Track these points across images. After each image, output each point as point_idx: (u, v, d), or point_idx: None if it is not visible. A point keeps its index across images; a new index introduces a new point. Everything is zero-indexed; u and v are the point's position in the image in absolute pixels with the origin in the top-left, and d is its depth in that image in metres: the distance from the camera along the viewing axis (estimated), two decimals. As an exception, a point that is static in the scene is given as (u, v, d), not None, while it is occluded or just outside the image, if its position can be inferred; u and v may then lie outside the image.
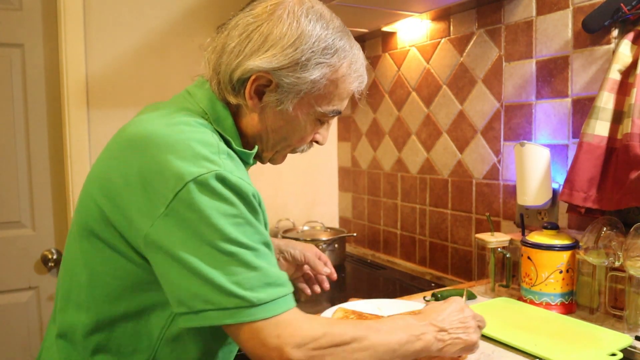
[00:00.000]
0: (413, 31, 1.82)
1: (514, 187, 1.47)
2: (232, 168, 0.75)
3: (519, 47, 1.44)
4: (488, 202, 1.56)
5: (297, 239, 1.83)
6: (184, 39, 1.95)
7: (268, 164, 1.00)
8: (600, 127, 1.17)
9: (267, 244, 0.77)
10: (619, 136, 1.15)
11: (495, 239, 1.35)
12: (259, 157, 0.96)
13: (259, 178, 2.14)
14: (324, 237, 1.84)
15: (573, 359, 0.96)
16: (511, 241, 1.36)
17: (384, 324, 0.82)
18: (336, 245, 1.84)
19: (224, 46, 0.86)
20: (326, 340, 0.74)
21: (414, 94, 1.83)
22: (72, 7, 1.74)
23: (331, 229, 2.00)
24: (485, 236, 1.37)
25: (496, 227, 1.52)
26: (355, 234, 2.16)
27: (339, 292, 1.66)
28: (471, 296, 1.34)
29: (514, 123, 1.47)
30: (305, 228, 1.98)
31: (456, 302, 0.91)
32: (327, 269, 1.20)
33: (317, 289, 1.23)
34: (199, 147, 0.74)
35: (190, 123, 0.80)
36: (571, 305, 1.23)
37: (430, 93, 1.76)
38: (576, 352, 0.98)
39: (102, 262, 0.79)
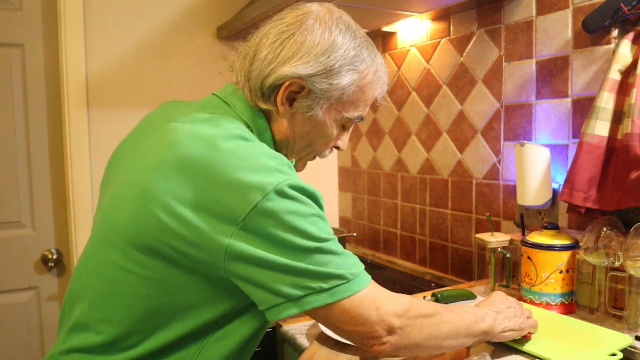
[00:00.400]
0: (413, 31, 1.82)
1: (514, 187, 1.47)
2: (296, 176, 0.80)
3: (519, 47, 1.44)
4: (488, 202, 1.56)
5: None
6: (184, 39, 1.95)
7: None
8: (600, 127, 1.17)
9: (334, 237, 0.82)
10: (619, 136, 1.15)
11: (495, 239, 1.35)
12: None
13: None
14: (324, 237, 1.84)
15: (573, 359, 0.96)
16: (511, 241, 1.36)
17: (452, 307, 0.90)
18: (336, 245, 1.84)
19: (255, 53, 0.88)
20: (415, 311, 0.82)
21: (414, 94, 1.83)
22: (72, 7, 1.74)
23: (331, 228, 2.00)
24: (485, 236, 1.37)
25: (496, 227, 1.52)
26: (355, 234, 2.16)
27: (339, 292, 1.66)
28: (471, 296, 1.34)
29: (514, 123, 1.47)
30: (305, 228, 1.98)
31: (499, 295, 1.01)
32: None
33: None
34: (267, 160, 0.77)
35: (247, 137, 0.81)
36: (571, 305, 1.23)
37: (430, 93, 1.76)
38: (576, 352, 0.98)
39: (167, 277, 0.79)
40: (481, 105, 1.57)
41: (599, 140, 1.17)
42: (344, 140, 0.99)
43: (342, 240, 1.88)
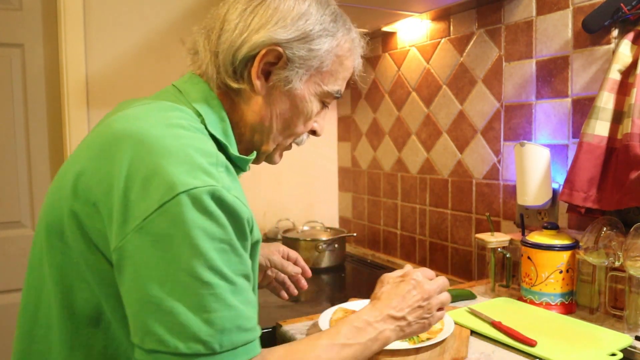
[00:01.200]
0: (413, 31, 1.82)
1: (514, 187, 1.47)
2: (229, 185, 0.67)
3: (519, 47, 1.44)
4: (488, 202, 1.56)
5: (297, 239, 1.83)
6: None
7: (264, 164, 0.95)
8: (600, 127, 1.17)
9: (247, 277, 0.69)
10: (619, 136, 1.15)
11: (495, 239, 1.35)
12: (257, 154, 0.89)
13: (259, 178, 2.14)
14: (324, 237, 1.84)
15: (573, 359, 0.96)
16: (511, 241, 1.36)
17: (338, 338, 0.78)
18: (336, 245, 1.84)
19: (223, 25, 0.79)
20: None
21: (414, 94, 1.83)
22: (72, 7, 1.74)
23: (331, 229, 2.00)
24: (485, 236, 1.37)
25: (496, 227, 1.52)
26: (355, 234, 2.16)
27: (339, 292, 1.66)
28: (471, 296, 1.34)
29: (514, 123, 1.47)
30: (305, 228, 1.98)
31: (413, 280, 0.87)
32: (296, 269, 1.13)
33: (293, 291, 1.17)
34: (197, 156, 0.67)
35: (187, 127, 0.72)
36: (571, 305, 1.23)
37: (430, 93, 1.76)
38: (576, 352, 0.98)
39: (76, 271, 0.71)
40: (481, 105, 1.57)
41: (599, 140, 1.17)
42: (320, 124, 0.90)
43: (342, 240, 1.88)
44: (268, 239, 2.09)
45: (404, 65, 1.87)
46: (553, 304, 1.22)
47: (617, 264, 1.12)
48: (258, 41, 0.76)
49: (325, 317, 1.14)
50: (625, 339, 1.03)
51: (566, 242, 1.22)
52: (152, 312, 0.62)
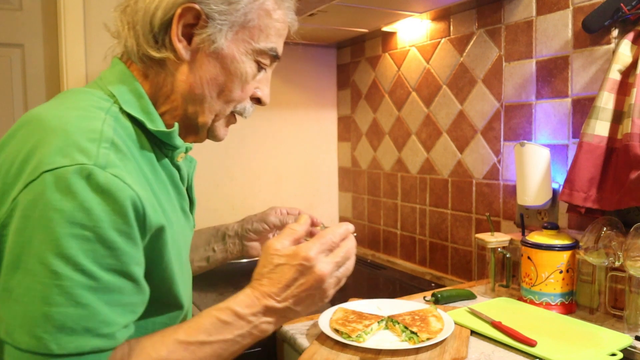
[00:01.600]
0: (413, 31, 1.82)
1: (514, 187, 1.47)
2: (110, 162, 0.61)
3: (519, 47, 1.44)
4: (488, 202, 1.56)
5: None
6: (184, 39, 1.95)
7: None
8: (600, 127, 1.17)
9: (126, 275, 0.61)
10: (619, 136, 1.15)
11: (495, 239, 1.35)
12: (194, 131, 0.82)
13: (259, 178, 2.14)
14: (324, 237, 1.84)
15: (573, 359, 0.96)
16: (511, 241, 1.36)
17: (196, 335, 0.68)
18: (336, 245, 1.84)
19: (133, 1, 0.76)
20: None
21: (414, 94, 1.83)
22: (72, 7, 1.75)
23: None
24: (485, 236, 1.37)
25: (496, 227, 1.52)
26: (355, 234, 2.15)
27: (339, 292, 1.65)
28: (471, 296, 1.34)
29: (514, 123, 1.47)
30: (305, 228, 1.97)
31: (296, 266, 0.73)
32: (293, 219, 1.05)
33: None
34: (75, 132, 0.62)
35: (83, 107, 0.68)
36: (571, 305, 1.23)
37: (430, 93, 1.76)
38: (576, 352, 0.98)
39: None
40: (481, 105, 1.57)
41: (599, 140, 1.17)
42: (263, 90, 0.84)
43: (342, 240, 1.88)
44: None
45: (404, 65, 1.87)
46: (553, 304, 1.22)
47: (617, 264, 1.12)
48: (171, 1, 0.72)
49: (325, 317, 1.14)
50: (625, 339, 1.03)
51: (566, 242, 1.22)
52: (4, 299, 0.58)
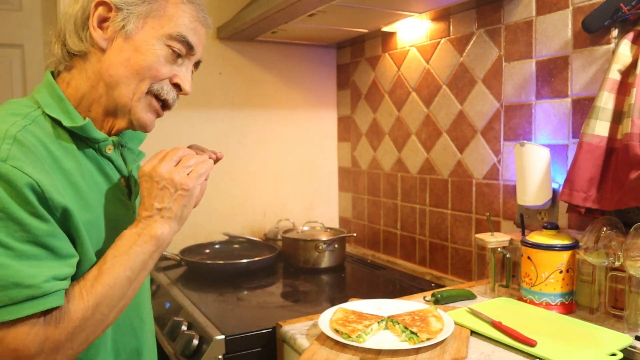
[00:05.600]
0: (413, 31, 1.82)
1: (514, 187, 1.47)
2: (11, 156, 0.74)
3: (518, 47, 1.44)
4: (488, 202, 1.56)
5: (297, 240, 1.83)
6: (184, 39, 1.95)
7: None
8: (600, 127, 1.17)
9: (37, 244, 0.74)
10: (619, 136, 1.15)
11: (495, 239, 1.35)
12: (119, 115, 0.90)
13: (259, 178, 2.14)
14: (324, 237, 1.84)
15: (573, 359, 0.96)
16: (511, 241, 1.36)
17: (105, 261, 0.81)
18: (336, 246, 1.84)
19: (63, 12, 0.91)
20: (57, 336, 0.75)
21: (414, 94, 1.83)
22: (72, 7, 1.74)
23: (331, 229, 2.00)
24: (485, 236, 1.37)
25: (496, 227, 1.52)
26: (355, 234, 2.16)
27: (339, 292, 1.66)
28: (471, 296, 1.34)
29: (514, 123, 1.47)
30: (305, 228, 1.98)
31: (146, 175, 0.87)
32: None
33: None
34: None
35: (0, 115, 0.81)
36: (571, 305, 1.23)
37: (430, 93, 1.76)
38: (576, 352, 0.98)
39: None
40: (481, 105, 1.57)
41: (599, 140, 1.17)
42: (182, 78, 0.92)
43: (342, 241, 1.88)
44: (268, 239, 2.09)
45: (404, 65, 1.87)
46: (553, 304, 1.22)
47: (617, 264, 1.12)
48: (86, 1, 0.87)
49: (325, 317, 1.14)
50: (625, 339, 1.03)
51: (566, 242, 1.22)
52: None
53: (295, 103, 2.21)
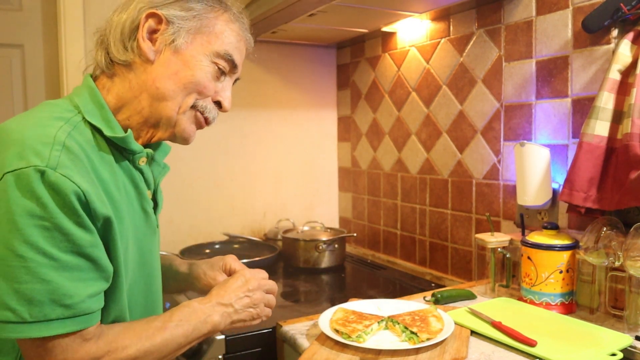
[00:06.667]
0: (413, 31, 1.82)
1: (514, 187, 1.47)
2: (60, 163, 0.72)
3: (518, 47, 1.44)
4: (488, 202, 1.56)
5: (297, 240, 1.83)
6: (184, 39, 1.95)
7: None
8: (600, 127, 1.17)
9: (80, 254, 0.74)
10: (619, 136, 1.15)
11: (495, 239, 1.35)
12: (162, 127, 0.90)
13: (259, 178, 2.14)
14: (324, 237, 1.84)
15: (573, 359, 0.96)
16: (511, 241, 1.36)
17: (171, 320, 0.86)
18: (336, 246, 1.84)
19: (108, 19, 0.91)
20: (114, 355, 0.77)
21: (414, 94, 1.83)
22: (72, 7, 1.75)
23: (331, 229, 2.00)
24: (485, 236, 1.37)
25: (496, 227, 1.52)
26: (355, 234, 2.16)
27: (339, 292, 1.66)
28: (471, 296, 1.34)
29: (514, 123, 1.47)
30: (305, 228, 1.98)
31: (241, 276, 0.97)
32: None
33: None
34: (31, 140, 0.73)
35: (41, 117, 0.80)
36: (571, 305, 1.23)
37: (430, 93, 1.76)
38: (576, 352, 0.98)
39: None
40: (481, 105, 1.57)
41: (599, 140, 1.17)
42: (224, 96, 0.93)
43: (342, 241, 1.88)
44: (268, 239, 2.09)
45: (404, 65, 1.87)
46: (553, 304, 1.22)
47: (617, 264, 1.12)
48: (137, 9, 0.86)
49: (325, 317, 1.14)
50: (625, 339, 1.03)
51: (566, 242, 1.22)
52: None
53: (295, 103, 2.21)
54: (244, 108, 2.10)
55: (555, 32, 1.34)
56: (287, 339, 1.15)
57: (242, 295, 0.94)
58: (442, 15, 1.68)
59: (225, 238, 2.05)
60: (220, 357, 1.20)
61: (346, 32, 1.90)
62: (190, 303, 0.90)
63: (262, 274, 1.00)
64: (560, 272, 1.21)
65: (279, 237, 1.96)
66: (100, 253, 0.77)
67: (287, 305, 1.48)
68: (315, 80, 2.25)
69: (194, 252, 1.90)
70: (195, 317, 0.88)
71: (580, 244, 1.16)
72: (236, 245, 2.02)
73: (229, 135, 2.07)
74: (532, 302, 1.24)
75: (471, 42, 1.59)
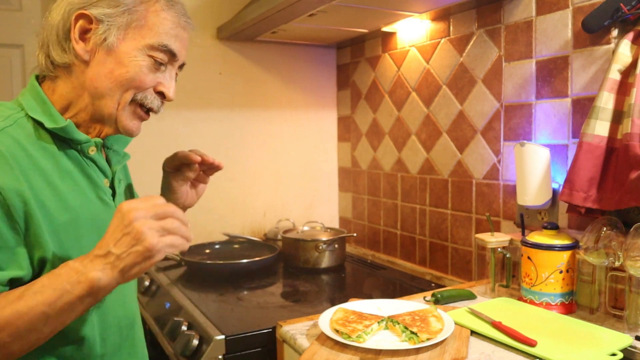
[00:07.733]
0: (413, 31, 1.82)
1: (514, 187, 1.47)
2: None
3: (518, 47, 1.44)
4: (488, 202, 1.56)
5: (297, 240, 1.83)
6: (184, 39, 1.95)
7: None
8: (600, 127, 1.17)
9: None
10: (619, 136, 1.15)
11: (495, 239, 1.35)
12: (105, 123, 0.91)
13: (259, 178, 2.14)
14: (324, 237, 1.84)
15: (573, 359, 0.96)
16: (511, 241, 1.36)
17: (31, 287, 0.75)
18: (336, 246, 1.84)
19: (43, 22, 0.91)
20: None
21: (414, 94, 1.83)
22: (72, 8, 1.74)
23: (331, 229, 2.00)
24: (485, 236, 1.37)
25: (496, 227, 1.52)
26: (355, 234, 2.16)
27: (339, 292, 1.66)
28: (471, 296, 1.34)
29: (514, 123, 1.47)
30: (305, 228, 1.98)
31: (117, 211, 0.78)
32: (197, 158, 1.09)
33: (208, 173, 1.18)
34: None
35: None
36: (571, 305, 1.23)
37: (430, 93, 1.76)
38: (576, 352, 0.98)
39: None
40: (481, 105, 1.57)
41: (599, 140, 1.17)
42: (166, 85, 0.93)
43: (342, 241, 1.88)
44: (268, 239, 2.09)
45: (404, 66, 1.87)
46: (553, 304, 1.22)
47: (617, 264, 1.12)
48: (66, 11, 0.87)
49: (325, 317, 1.14)
50: (625, 339, 1.03)
51: (566, 242, 1.22)
52: None
53: (295, 103, 2.21)
54: (244, 108, 2.10)
55: (555, 32, 1.34)
56: (287, 339, 1.15)
57: (120, 235, 0.76)
58: (442, 15, 1.68)
59: (225, 238, 2.05)
60: (220, 357, 1.20)
61: (346, 32, 1.90)
62: (68, 263, 0.78)
63: (153, 200, 0.79)
64: (560, 272, 1.21)
65: (279, 237, 1.96)
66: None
67: (287, 305, 1.48)
68: (315, 80, 2.25)
69: (194, 252, 1.90)
70: (63, 279, 0.75)
71: (580, 244, 1.16)
72: (236, 245, 2.02)
73: (229, 135, 2.07)
74: (532, 302, 1.24)
75: (471, 42, 1.59)
